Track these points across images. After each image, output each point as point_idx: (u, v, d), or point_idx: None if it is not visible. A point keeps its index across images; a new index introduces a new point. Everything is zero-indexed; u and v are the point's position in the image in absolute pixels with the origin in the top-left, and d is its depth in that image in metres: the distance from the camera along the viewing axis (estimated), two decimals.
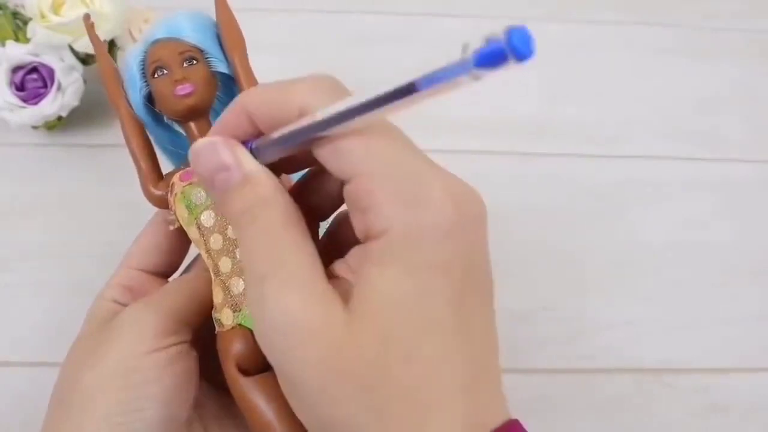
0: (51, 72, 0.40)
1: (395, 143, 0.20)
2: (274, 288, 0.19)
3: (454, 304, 0.19)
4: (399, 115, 0.17)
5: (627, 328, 0.38)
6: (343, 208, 0.23)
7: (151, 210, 0.28)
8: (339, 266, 0.21)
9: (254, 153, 0.21)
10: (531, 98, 0.48)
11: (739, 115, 0.48)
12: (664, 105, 0.48)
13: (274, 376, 0.24)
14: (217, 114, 0.29)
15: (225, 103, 0.29)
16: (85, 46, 0.41)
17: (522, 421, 0.21)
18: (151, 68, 0.26)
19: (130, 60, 0.27)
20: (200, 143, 0.21)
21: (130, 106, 0.27)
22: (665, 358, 0.37)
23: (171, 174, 0.27)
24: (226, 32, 0.28)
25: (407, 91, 0.16)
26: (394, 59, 0.49)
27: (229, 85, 0.29)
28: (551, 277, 0.40)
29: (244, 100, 0.22)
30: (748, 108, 0.48)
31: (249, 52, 0.29)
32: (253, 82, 0.28)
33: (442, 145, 0.45)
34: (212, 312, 0.25)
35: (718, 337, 0.38)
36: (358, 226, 0.20)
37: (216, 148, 0.21)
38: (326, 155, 0.20)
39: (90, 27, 0.29)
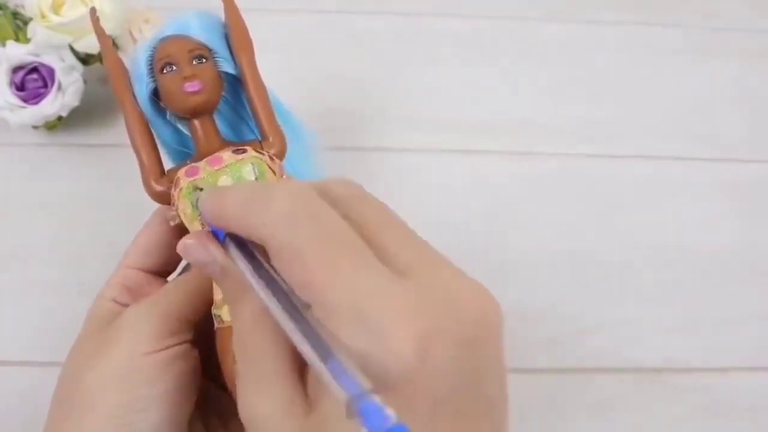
0: (51, 72, 0.40)
1: (357, 264, 0.18)
2: (246, 385, 0.19)
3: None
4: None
5: (627, 327, 0.38)
6: None
7: (152, 208, 0.28)
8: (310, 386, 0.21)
9: (226, 245, 0.21)
10: (531, 98, 0.48)
11: (740, 115, 0.48)
12: (664, 105, 0.48)
13: None
14: (221, 114, 0.29)
15: (230, 103, 0.29)
16: (85, 46, 0.41)
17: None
18: (159, 64, 0.26)
19: (138, 55, 0.27)
20: (186, 240, 0.22)
21: (136, 100, 0.27)
22: (665, 358, 0.37)
23: (175, 169, 0.27)
24: (234, 33, 0.28)
25: (321, 351, 0.16)
26: (394, 59, 0.49)
27: (234, 86, 0.29)
28: (551, 276, 0.40)
29: (219, 204, 0.21)
30: (749, 108, 0.48)
31: None
32: (260, 84, 0.28)
33: (442, 144, 0.45)
34: (212, 308, 0.25)
35: (718, 336, 0.38)
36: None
37: (198, 244, 0.22)
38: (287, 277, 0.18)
39: (95, 21, 0.29)
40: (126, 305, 0.26)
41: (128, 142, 0.28)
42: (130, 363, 0.23)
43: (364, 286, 0.17)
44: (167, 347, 0.24)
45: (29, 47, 0.40)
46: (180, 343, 0.24)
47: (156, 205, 0.28)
